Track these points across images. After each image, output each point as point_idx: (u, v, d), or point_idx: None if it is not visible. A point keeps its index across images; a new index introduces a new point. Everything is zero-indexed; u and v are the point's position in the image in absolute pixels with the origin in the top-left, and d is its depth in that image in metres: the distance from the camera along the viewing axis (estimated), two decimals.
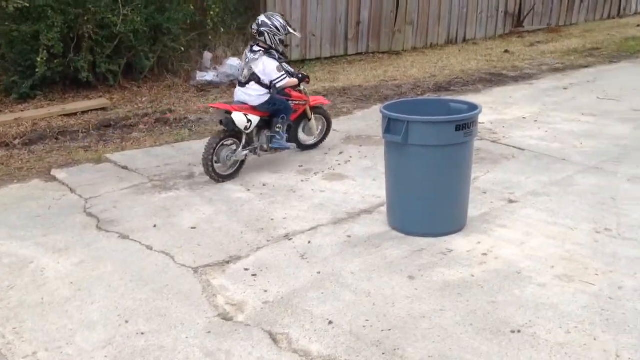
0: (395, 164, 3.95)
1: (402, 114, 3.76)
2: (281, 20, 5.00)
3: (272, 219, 4.19)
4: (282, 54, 5.12)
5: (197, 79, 8.05)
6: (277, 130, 5.05)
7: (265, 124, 5.07)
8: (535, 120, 6.34)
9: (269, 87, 4.95)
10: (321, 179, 4.96)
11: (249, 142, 5.00)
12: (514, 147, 5.54)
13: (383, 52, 9.93)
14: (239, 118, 4.77)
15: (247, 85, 4.96)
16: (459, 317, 2.97)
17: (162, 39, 7.81)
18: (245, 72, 4.99)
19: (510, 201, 4.37)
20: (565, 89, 7.67)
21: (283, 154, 5.50)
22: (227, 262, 3.61)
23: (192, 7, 8.11)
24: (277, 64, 4.96)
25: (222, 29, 8.52)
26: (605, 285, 3.20)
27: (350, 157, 5.45)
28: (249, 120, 4.82)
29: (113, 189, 4.81)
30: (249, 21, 8.88)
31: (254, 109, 4.94)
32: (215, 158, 4.80)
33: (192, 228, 4.09)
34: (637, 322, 2.88)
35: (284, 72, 4.98)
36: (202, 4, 8.38)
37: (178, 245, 3.83)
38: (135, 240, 3.92)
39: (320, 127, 5.71)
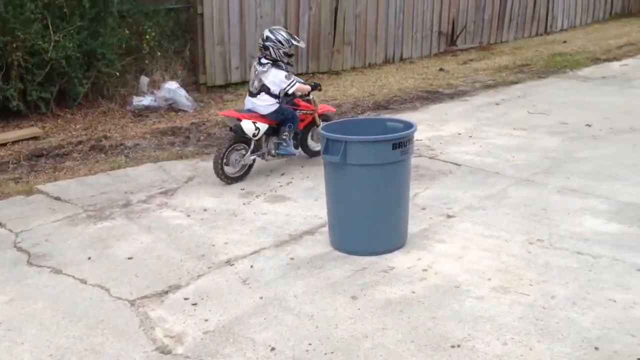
0: (334, 184, 3.98)
1: (341, 134, 3.81)
2: (284, 34, 5.30)
3: (213, 245, 4.13)
4: (287, 63, 5.43)
5: (134, 103, 7.89)
6: (284, 137, 5.41)
7: (274, 131, 5.44)
8: (470, 136, 6.53)
9: (278, 97, 5.31)
10: (263, 201, 4.93)
11: (257, 148, 5.41)
12: (451, 162, 5.68)
13: (323, 72, 10.04)
14: (247, 125, 5.15)
15: (257, 96, 5.32)
16: (401, 335, 2.99)
17: (96, 64, 7.63)
18: (256, 83, 5.32)
19: (449, 216, 4.46)
20: (497, 104, 7.94)
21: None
22: (166, 292, 3.52)
23: (127, 32, 7.97)
24: (286, 72, 5.32)
25: (159, 53, 8.40)
26: (539, 295, 3.29)
27: (292, 178, 5.45)
28: (257, 128, 5.20)
29: (45, 221, 4.63)
30: (187, 44, 8.83)
31: (263, 117, 5.30)
32: (225, 160, 5.20)
33: (129, 258, 3.97)
34: (569, 330, 2.97)
35: (293, 79, 5.34)
36: (137, 28, 8.25)
37: (114, 277, 3.71)
38: (69, 275, 3.77)
39: None
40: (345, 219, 3.95)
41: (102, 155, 6.34)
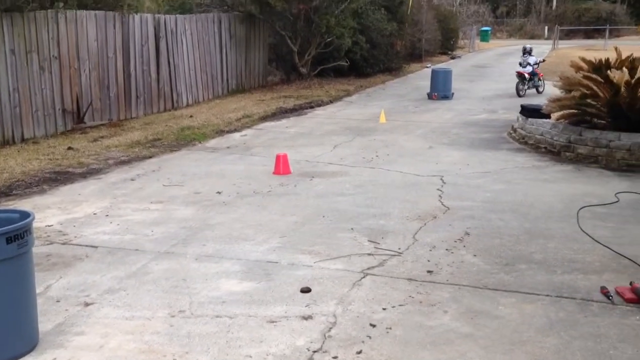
0: None
1: None
2: (530, 48, 16.71)
3: None
4: (529, 53, 16.48)
5: None
6: (535, 80, 16.04)
7: (530, 80, 15.93)
8: (107, 215, 6.32)
9: (532, 66, 15.80)
10: None
11: (528, 83, 15.95)
12: (86, 245, 5.37)
13: None
14: (525, 75, 15.78)
15: (526, 67, 15.76)
16: None
17: None
18: (524, 62, 15.89)
19: (86, 304, 4.17)
20: (133, 180, 7.92)
21: None
22: None
23: None
24: (536, 58, 16.42)
25: None
26: None
27: None
28: (526, 75, 15.75)
29: None
30: None
31: (528, 73, 15.76)
32: (521, 89, 15.77)
33: None
34: None
35: (537, 62, 16.24)
36: None
37: None
38: None
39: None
40: None
41: None
